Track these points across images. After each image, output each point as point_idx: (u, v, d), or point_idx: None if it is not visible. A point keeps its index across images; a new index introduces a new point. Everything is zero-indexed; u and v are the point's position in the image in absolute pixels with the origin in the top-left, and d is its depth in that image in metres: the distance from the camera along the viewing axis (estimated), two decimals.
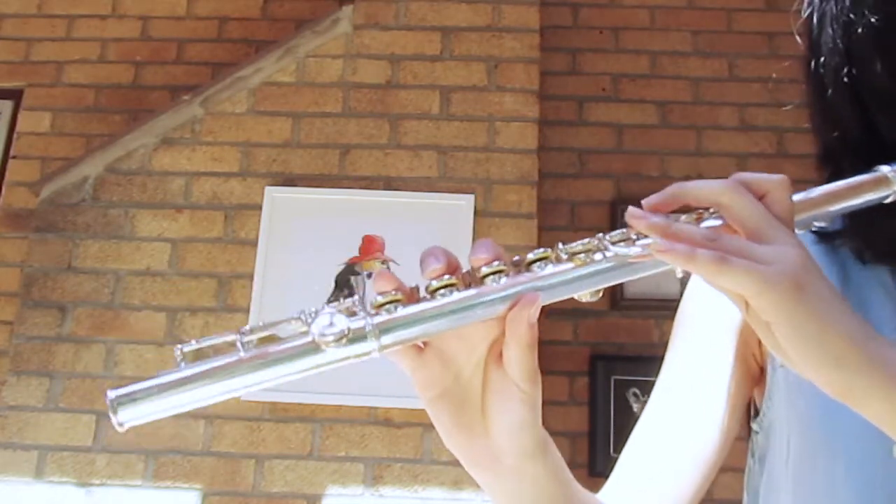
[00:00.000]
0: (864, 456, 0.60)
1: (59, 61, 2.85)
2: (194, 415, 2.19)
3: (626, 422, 2.44)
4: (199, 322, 2.27)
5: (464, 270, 0.52)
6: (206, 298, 2.29)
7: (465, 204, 2.32)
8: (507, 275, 0.51)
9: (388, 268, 2.29)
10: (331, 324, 0.48)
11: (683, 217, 0.52)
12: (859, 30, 0.61)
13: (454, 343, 0.53)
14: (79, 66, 2.84)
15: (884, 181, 0.55)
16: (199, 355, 0.50)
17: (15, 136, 2.79)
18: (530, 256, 0.52)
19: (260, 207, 2.34)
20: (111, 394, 0.47)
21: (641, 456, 0.72)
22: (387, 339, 0.49)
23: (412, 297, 0.51)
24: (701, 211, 0.52)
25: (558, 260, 0.52)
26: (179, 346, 0.49)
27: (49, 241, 2.35)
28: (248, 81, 2.46)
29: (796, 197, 0.54)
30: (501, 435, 0.55)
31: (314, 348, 0.48)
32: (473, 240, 2.28)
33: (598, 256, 0.51)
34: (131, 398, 0.48)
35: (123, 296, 2.30)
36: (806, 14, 0.66)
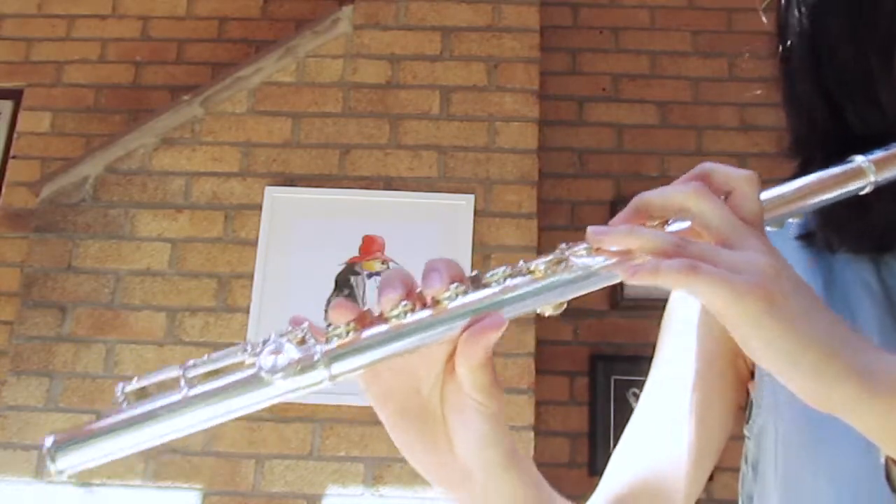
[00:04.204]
0: (848, 465, 0.59)
1: (59, 61, 2.85)
2: None
3: (626, 422, 2.44)
4: (199, 322, 2.27)
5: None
6: (206, 298, 2.29)
7: (465, 204, 2.32)
8: (465, 292, 0.48)
9: (388, 268, 2.29)
10: (277, 354, 0.46)
11: (650, 225, 0.50)
12: (825, 13, 0.60)
13: (412, 359, 0.51)
14: (79, 66, 2.84)
15: (859, 172, 0.53)
16: (143, 394, 0.47)
17: (15, 136, 2.79)
18: (489, 275, 0.49)
19: (260, 207, 2.34)
20: (48, 440, 0.45)
21: (628, 466, 0.71)
22: (338, 367, 0.47)
23: (364, 321, 0.48)
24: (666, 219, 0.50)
25: (520, 275, 0.49)
26: (121, 384, 0.47)
27: (49, 241, 2.35)
28: (248, 81, 2.46)
29: (770, 193, 0.52)
30: (466, 450, 0.53)
31: (261, 381, 0.46)
32: (473, 240, 2.28)
33: (559, 269, 0.49)
34: (71, 444, 0.45)
35: (123, 296, 2.30)
36: None
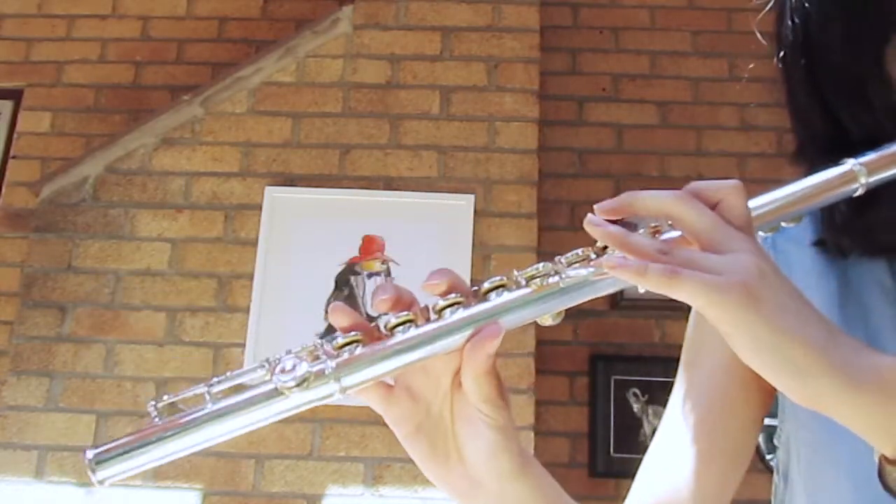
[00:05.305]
0: (865, 460, 0.59)
1: (59, 61, 2.85)
2: None
3: (626, 422, 2.44)
4: (199, 322, 2.27)
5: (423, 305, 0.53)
6: (206, 298, 2.29)
7: (465, 204, 2.32)
8: (464, 305, 0.51)
9: (388, 268, 2.29)
10: (292, 369, 0.50)
11: (641, 230, 0.51)
12: (815, 19, 0.61)
13: (420, 378, 0.54)
14: (79, 66, 2.84)
15: (850, 176, 0.54)
16: (172, 408, 0.52)
17: (15, 136, 2.79)
18: (486, 285, 0.52)
19: (260, 207, 2.34)
20: (90, 453, 0.49)
21: (650, 485, 0.70)
22: (347, 380, 0.50)
23: (372, 335, 0.52)
24: (659, 224, 0.52)
25: (516, 286, 0.52)
26: (153, 401, 0.51)
27: (49, 241, 2.35)
28: (248, 81, 2.46)
29: (762, 199, 0.53)
30: (476, 461, 0.55)
31: (277, 395, 0.50)
32: (473, 240, 2.28)
33: (554, 280, 0.51)
34: (110, 456, 0.50)
35: (123, 296, 2.30)
36: (768, 9, 0.66)
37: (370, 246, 2.30)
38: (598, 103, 2.79)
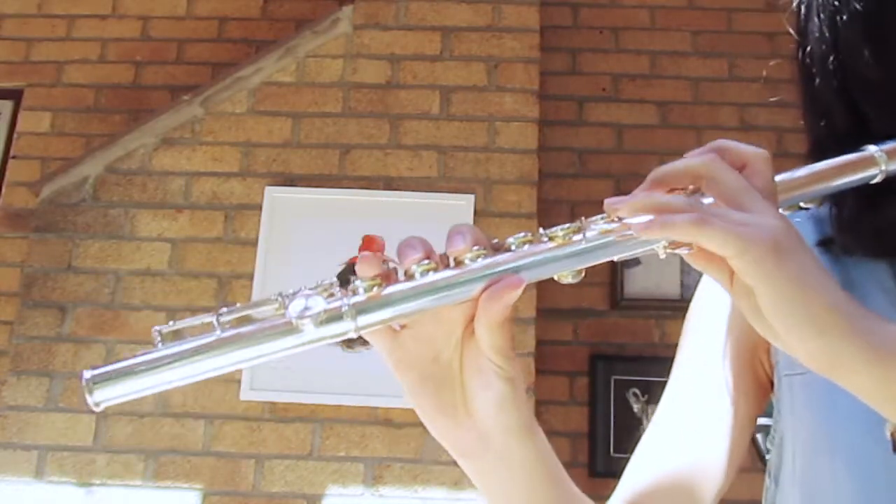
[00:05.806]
0: (864, 453, 0.59)
1: (59, 61, 2.85)
2: (194, 415, 2.19)
3: (626, 422, 2.44)
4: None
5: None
6: (206, 298, 2.29)
7: (465, 204, 2.32)
8: (485, 256, 0.50)
9: (388, 268, 2.28)
10: (307, 305, 0.48)
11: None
12: (845, 17, 0.60)
13: (431, 325, 0.53)
14: (79, 66, 2.84)
15: (870, 161, 0.54)
16: (177, 337, 0.49)
17: (15, 136, 2.79)
18: (510, 240, 0.51)
19: (260, 207, 2.34)
20: (87, 374, 0.47)
21: (650, 464, 0.71)
22: (363, 319, 0.49)
23: (390, 278, 0.51)
24: (680, 191, 0.51)
25: (539, 242, 0.51)
26: (158, 327, 0.49)
27: (49, 241, 2.35)
28: (248, 81, 2.46)
29: (782, 177, 0.53)
30: (485, 413, 0.54)
31: (291, 329, 0.48)
32: None
33: (578, 237, 0.51)
34: (108, 378, 0.47)
35: (123, 296, 2.30)
36: (795, 3, 0.65)
37: (370, 246, 2.29)
38: (598, 103, 2.79)
